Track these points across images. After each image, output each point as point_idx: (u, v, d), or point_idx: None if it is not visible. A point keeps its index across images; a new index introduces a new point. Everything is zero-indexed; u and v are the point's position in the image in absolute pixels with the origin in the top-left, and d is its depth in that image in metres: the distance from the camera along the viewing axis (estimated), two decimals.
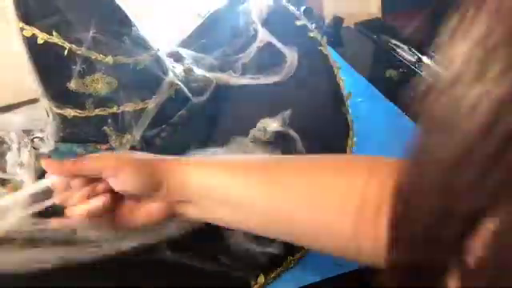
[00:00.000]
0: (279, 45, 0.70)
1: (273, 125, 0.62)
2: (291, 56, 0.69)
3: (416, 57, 1.07)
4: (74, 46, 0.57)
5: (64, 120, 0.62)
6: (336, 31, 1.15)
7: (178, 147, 0.64)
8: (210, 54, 0.74)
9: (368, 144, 0.70)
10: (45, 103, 0.63)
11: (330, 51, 0.71)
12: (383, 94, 0.97)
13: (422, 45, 1.12)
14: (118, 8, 0.60)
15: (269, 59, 0.71)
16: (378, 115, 0.89)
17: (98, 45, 0.58)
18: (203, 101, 0.68)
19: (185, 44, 0.78)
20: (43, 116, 0.69)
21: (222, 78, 0.70)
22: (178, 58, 0.74)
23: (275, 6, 0.73)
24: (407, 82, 1.01)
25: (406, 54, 1.10)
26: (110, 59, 0.59)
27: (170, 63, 0.68)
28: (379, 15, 1.28)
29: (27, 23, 0.57)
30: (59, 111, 0.61)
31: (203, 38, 0.77)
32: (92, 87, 0.59)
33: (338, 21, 1.17)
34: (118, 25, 0.60)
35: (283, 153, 0.62)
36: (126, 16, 0.61)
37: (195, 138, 0.67)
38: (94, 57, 0.58)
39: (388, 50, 1.12)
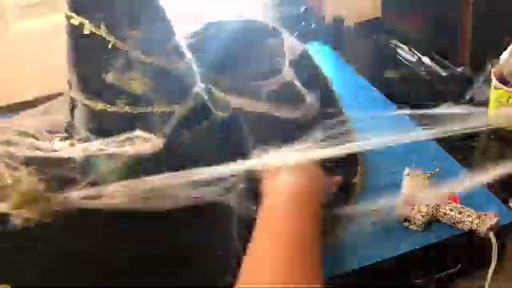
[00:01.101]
0: (300, 87, 0.75)
1: None
2: (311, 98, 0.73)
3: (416, 57, 1.08)
4: (118, 41, 0.59)
5: (91, 112, 0.63)
6: (336, 31, 1.16)
7: (196, 156, 0.64)
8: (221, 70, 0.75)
9: None
10: (74, 93, 0.64)
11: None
12: (383, 94, 0.97)
13: (422, 45, 1.12)
14: (167, 18, 0.63)
15: (289, 95, 0.74)
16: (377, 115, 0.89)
17: (141, 44, 0.60)
18: (224, 118, 0.70)
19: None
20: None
21: (239, 101, 0.73)
22: None
23: (303, 52, 0.79)
24: (407, 82, 1.02)
25: (406, 54, 1.10)
26: (151, 59, 0.60)
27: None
28: (379, 15, 1.28)
29: (77, 12, 0.58)
30: (87, 102, 0.62)
31: (214, 51, 0.79)
32: (128, 84, 0.60)
33: (338, 21, 1.17)
34: (164, 31, 0.62)
35: None
36: (172, 26, 0.64)
37: (211, 152, 0.67)
38: (135, 55, 0.60)
39: (388, 51, 1.12)
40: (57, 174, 0.61)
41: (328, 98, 0.79)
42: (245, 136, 0.73)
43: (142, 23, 0.59)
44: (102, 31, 0.58)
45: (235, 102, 0.73)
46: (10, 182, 0.59)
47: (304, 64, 0.79)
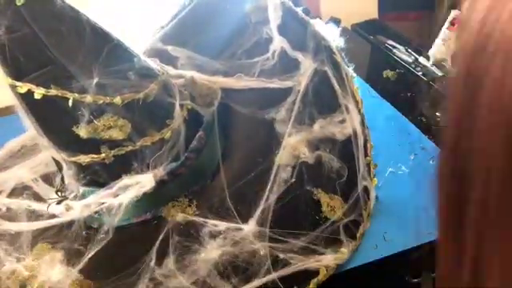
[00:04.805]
0: (294, 52, 0.67)
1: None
2: (305, 63, 0.66)
3: (413, 57, 1.08)
4: (77, 94, 0.53)
5: (80, 167, 0.58)
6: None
7: (204, 168, 0.63)
8: (210, 53, 0.69)
9: None
10: (54, 154, 0.59)
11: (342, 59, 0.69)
12: (380, 95, 0.97)
13: (419, 45, 1.13)
14: (117, 44, 0.55)
15: (283, 65, 0.68)
16: (375, 115, 0.89)
17: (104, 88, 0.53)
18: (215, 115, 0.66)
19: (172, 39, 0.71)
20: (41, 160, 0.67)
21: (228, 82, 0.67)
22: (167, 57, 0.69)
23: (288, 12, 0.69)
24: (404, 82, 1.02)
25: (403, 54, 1.10)
26: (118, 100, 0.54)
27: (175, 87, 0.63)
28: (376, 16, 1.28)
29: (19, 79, 0.51)
30: (73, 159, 0.57)
31: (198, 32, 0.71)
32: (106, 134, 0.55)
33: (334, 22, 1.17)
34: (120, 63, 0.55)
35: None
36: (126, 49, 0.56)
37: (217, 153, 0.65)
38: (101, 101, 0.54)
39: (385, 51, 1.13)
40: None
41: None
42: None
43: (95, 68, 0.52)
44: (54, 91, 0.52)
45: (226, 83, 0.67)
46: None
47: (290, 24, 0.69)
